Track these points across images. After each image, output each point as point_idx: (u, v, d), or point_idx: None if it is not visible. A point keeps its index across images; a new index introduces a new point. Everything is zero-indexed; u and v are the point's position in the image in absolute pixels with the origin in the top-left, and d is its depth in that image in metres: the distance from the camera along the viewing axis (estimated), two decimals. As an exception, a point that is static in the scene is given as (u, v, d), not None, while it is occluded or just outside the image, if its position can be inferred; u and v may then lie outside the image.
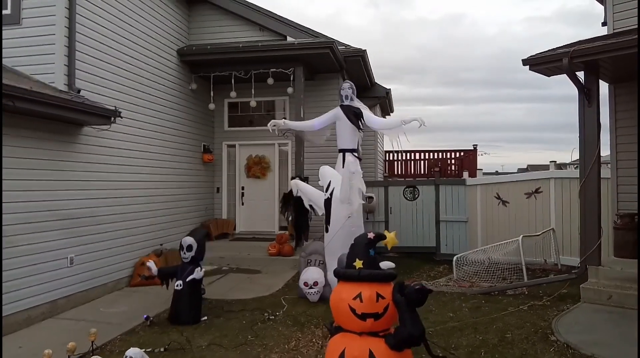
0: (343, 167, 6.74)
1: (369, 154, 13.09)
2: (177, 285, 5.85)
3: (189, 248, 5.96)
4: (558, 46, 6.07)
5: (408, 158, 17.15)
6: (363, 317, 3.29)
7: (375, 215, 10.92)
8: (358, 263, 3.44)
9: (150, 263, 6.13)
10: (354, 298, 3.32)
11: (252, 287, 7.60)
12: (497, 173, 17.81)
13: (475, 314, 5.83)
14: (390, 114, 16.23)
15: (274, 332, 5.39)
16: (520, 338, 4.90)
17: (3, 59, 5.44)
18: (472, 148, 16.77)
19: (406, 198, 10.87)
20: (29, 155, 5.76)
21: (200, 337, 5.28)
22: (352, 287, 3.38)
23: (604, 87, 6.82)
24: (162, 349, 4.87)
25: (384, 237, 3.62)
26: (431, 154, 16.95)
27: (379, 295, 3.32)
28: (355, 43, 10.51)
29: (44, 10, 6.34)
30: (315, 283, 6.67)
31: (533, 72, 6.49)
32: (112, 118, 6.51)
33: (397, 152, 17.12)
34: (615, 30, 6.81)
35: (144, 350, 4.82)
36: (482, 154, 19.67)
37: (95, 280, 6.95)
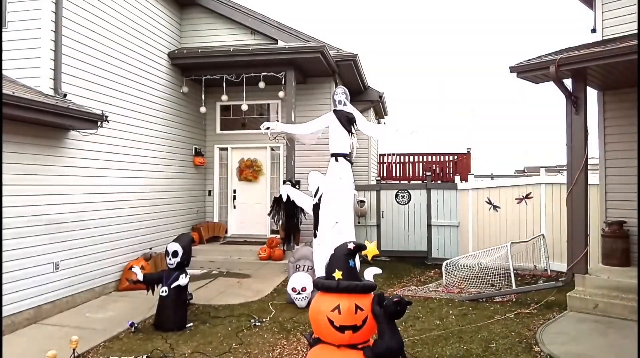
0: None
1: (362, 158, 13.05)
2: (162, 291, 5.82)
3: (175, 253, 5.91)
4: (545, 53, 6.02)
5: (404, 160, 17.13)
6: (341, 329, 3.25)
7: (367, 219, 10.91)
8: (337, 274, 3.41)
9: (136, 268, 6.09)
10: (333, 310, 3.28)
11: (241, 292, 7.56)
12: (492, 176, 17.76)
13: (462, 322, 5.80)
14: (385, 117, 16.21)
15: (259, 339, 5.35)
16: (504, 348, 4.88)
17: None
18: (466, 152, 16.74)
19: (398, 202, 10.86)
20: (13, 160, 5.69)
21: (184, 344, 5.25)
22: (330, 298, 3.35)
23: (591, 92, 6.80)
24: (144, 357, 4.83)
25: (364, 248, 3.60)
26: (426, 157, 16.94)
27: (357, 307, 3.28)
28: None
29: (30, 14, 6.28)
30: (304, 289, 6.65)
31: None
32: (99, 122, 6.46)
33: (392, 155, 17.12)
34: (604, 37, 6.78)
35: (124, 357, 4.81)
36: (475, 158, 19.63)
37: (82, 285, 6.89)
